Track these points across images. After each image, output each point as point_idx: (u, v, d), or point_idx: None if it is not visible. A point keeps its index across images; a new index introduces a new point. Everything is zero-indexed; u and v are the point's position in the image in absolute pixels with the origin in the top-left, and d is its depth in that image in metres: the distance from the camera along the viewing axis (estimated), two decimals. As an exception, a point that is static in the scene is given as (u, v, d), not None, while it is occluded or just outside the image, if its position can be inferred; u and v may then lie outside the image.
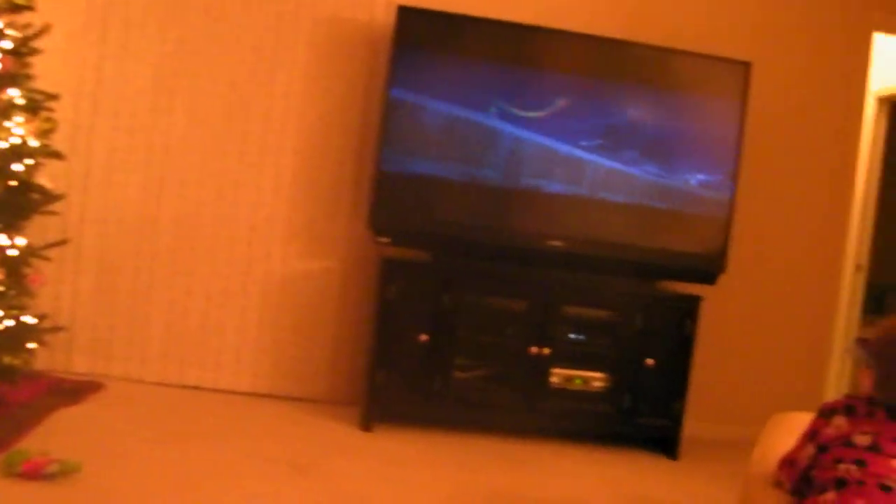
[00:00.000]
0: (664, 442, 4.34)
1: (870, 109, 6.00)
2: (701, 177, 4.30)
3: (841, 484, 1.68)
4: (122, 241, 4.42)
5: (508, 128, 4.18)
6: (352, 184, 4.50)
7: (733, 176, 4.33)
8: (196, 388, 4.44)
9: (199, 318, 4.47)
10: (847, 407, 1.79)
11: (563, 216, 4.25)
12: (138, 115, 4.39)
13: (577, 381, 4.25)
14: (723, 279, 4.39)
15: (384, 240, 4.17)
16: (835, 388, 5.47)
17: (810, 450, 1.81)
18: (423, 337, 4.11)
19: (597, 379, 4.26)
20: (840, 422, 1.78)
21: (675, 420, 4.29)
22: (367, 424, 4.13)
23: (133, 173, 4.41)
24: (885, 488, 1.64)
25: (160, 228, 4.43)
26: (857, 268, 6.36)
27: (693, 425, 4.41)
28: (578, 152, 4.22)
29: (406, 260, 4.25)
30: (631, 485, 3.82)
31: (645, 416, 4.28)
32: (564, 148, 4.21)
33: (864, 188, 6.21)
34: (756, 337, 4.87)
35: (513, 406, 4.23)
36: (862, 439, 1.73)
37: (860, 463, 1.69)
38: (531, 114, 4.19)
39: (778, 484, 1.89)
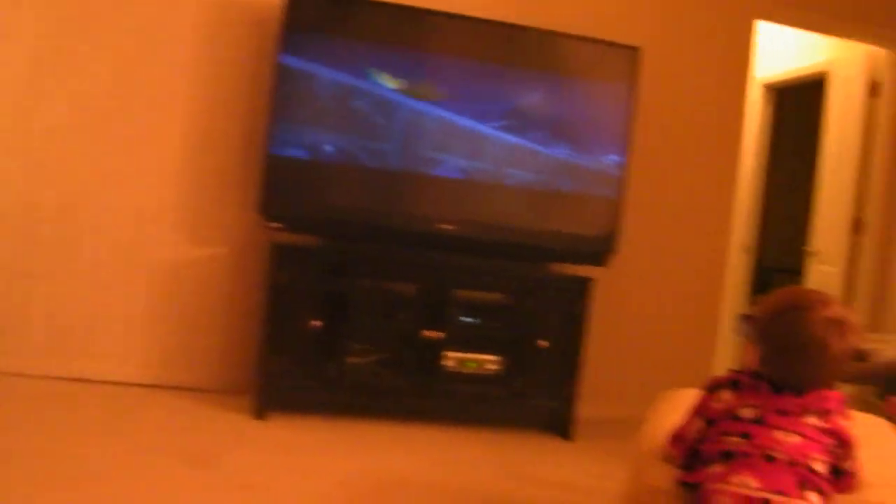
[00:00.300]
0: (558, 423, 4.39)
1: (755, 95, 6.19)
2: (591, 160, 4.35)
3: (728, 456, 1.71)
4: (1, 228, 4.25)
5: (401, 105, 4.15)
6: (241, 168, 4.41)
7: (623, 159, 4.39)
8: (82, 380, 4.30)
9: (83, 308, 4.34)
10: (732, 381, 1.83)
11: (454, 200, 4.25)
12: (17, 99, 4.22)
13: (471, 365, 4.25)
14: (613, 261, 4.46)
15: (275, 225, 4.11)
16: (722, 366, 5.61)
17: (698, 424, 1.84)
18: (316, 323, 4.07)
19: (490, 362, 4.28)
20: (726, 396, 1.81)
21: (568, 401, 4.34)
22: (260, 413, 4.06)
23: (12, 158, 4.24)
24: (770, 459, 1.68)
25: (42, 216, 4.27)
26: (745, 249, 6.56)
27: (586, 406, 4.47)
28: (470, 132, 4.22)
29: (297, 245, 4.19)
30: (525, 466, 3.84)
31: (538, 398, 4.31)
32: (457, 128, 4.20)
33: (750, 172, 6.40)
34: (646, 317, 4.97)
35: (407, 390, 4.21)
36: (747, 412, 1.77)
37: (746, 435, 1.73)
38: (423, 95, 4.17)
39: (668, 458, 1.91)
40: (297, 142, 4.07)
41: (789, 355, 1.76)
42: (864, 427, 1.85)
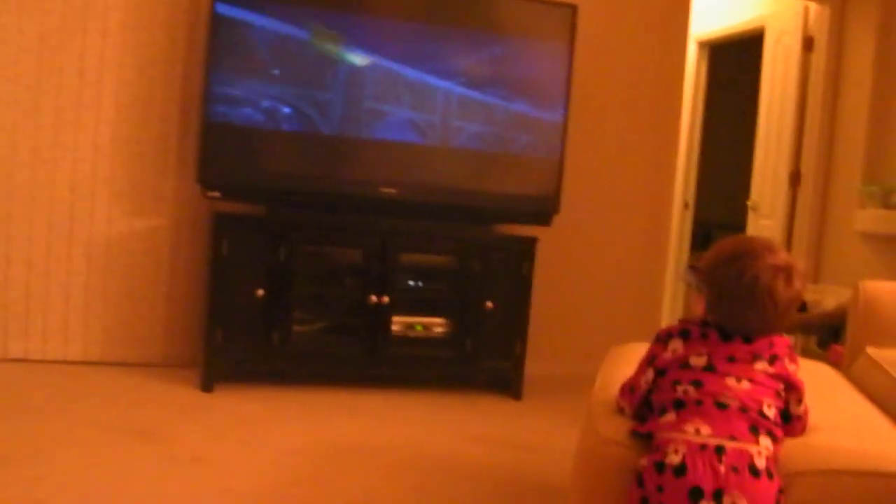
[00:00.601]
0: (507, 383, 4.41)
1: (692, 53, 6.22)
2: (531, 119, 4.34)
3: (679, 405, 1.72)
4: (-71, 208, 4.13)
5: (341, 61, 4.09)
6: (178, 137, 4.32)
7: (563, 118, 4.38)
8: (22, 360, 4.21)
9: (20, 288, 4.22)
10: (682, 331, 1.84)
11: (396, 164, 4.21)
12: (-62, 72, 4.09)
13: (418, 328, 4.25)
14: (557, 220, 4.46)
15: (214, 194, 4.03)
16: (668, 321, 5.68)
17: (649, 374, 1.85)
18: (260, 292, 4.02)
19: (437, 325, 4.28)
20: (676, 345, 1.82)
21: (517, 361, 4.35)
22: (207, 385, 4.01)
23: (-64, 135, 4.11)
24: (721, 405, 1.69)
25: (-30, 193, 4.16)
26: (685, 206, 6.63)
27: (534, 365, 4.49)
28: (411, 88, 4.18)
29: (238, 214, 4.13)
30: (476, 426, 3.86)
31: (487, 359, 4.33)
32: (398, 84, 4.16)
33: (688, 129, 6.46)
34: (591, 275, 4.99)
35: (355, 357, 4.19)
36: (697, 360, 1.78)
37: (697, 383, 1.74)
38: (360, 54, 4.11)
39: (620, 410, 1.92)
40: (234, 104, 3.98)
41: (737, 302, 1.77)
42: (810, 374, 1.88)
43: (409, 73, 4.17)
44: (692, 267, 1.99)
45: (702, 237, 6.94)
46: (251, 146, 4.05)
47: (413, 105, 4.18)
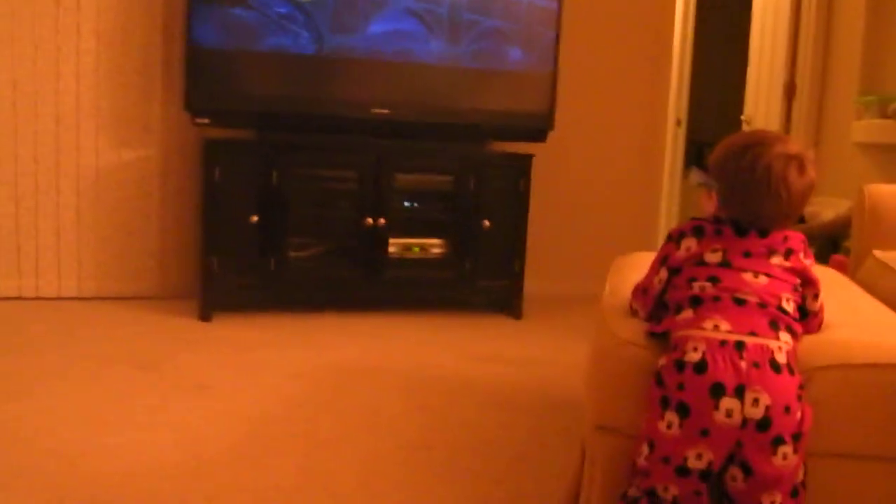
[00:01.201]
0: (506, 302, 4.39)
1: (682, -35, 6.09)
2: (525, 35, 4.24)
3: (696, 301, 1.68)
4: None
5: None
6: (162, 64, 4.21)
7: (556, 33, 4.29)
8: (16, 298, 4.16)
9: (9, 225, 4.15)
10: (695, 228, 1.79)
11: (386, 82, 4.13)
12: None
13: (416, 250, 4.21)
14: (552, 137, 4.40)
15: (203, 121, 3.95)
16: (664, 237, 5.65)
17: (662, 274, 1.80)
18: (254, 218, 3.96)
19: (435, 245, 4.24)
20: (690, 243, 1.78)
21: (516, 279, 4.33)
22: (206, 315, 3.98)
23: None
24: (740, 301, 1.65)
25: (-48, 130, 4.06)
26: (677, 122, 6.56)
27: (533, 284, 4.46)
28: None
29: (229, 139, 4.06)
30: (478, 345, 3.84)
31: (486, 279, 4.29)
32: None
33: (679, 43, 6.35)
34: (588, 193, 4.95)
35: (352, 280, 4.15)
36: (712, 257, 1.73)
37: (713, 279, 1.70)
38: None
39: (633, 313, 1.88)
40: (219, 26, 3.87)
41: (751, 193, 1.72)
42: (821, 274, 1.84)
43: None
44: (698, 166, 1.94)
45: (694, 154, 6.90)
46: (238, 69, 3.96)
47: (400, 30, 4.09)
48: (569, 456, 2.06)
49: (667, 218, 6.28)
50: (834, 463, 1.72)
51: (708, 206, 1.83)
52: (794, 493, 1.63)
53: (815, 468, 1.67)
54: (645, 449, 1.63)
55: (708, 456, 1.57)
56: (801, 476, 1.64)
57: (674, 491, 1.61)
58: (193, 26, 3.86)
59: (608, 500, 1.75)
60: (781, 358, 1.60)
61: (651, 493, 1.63)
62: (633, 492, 1.66)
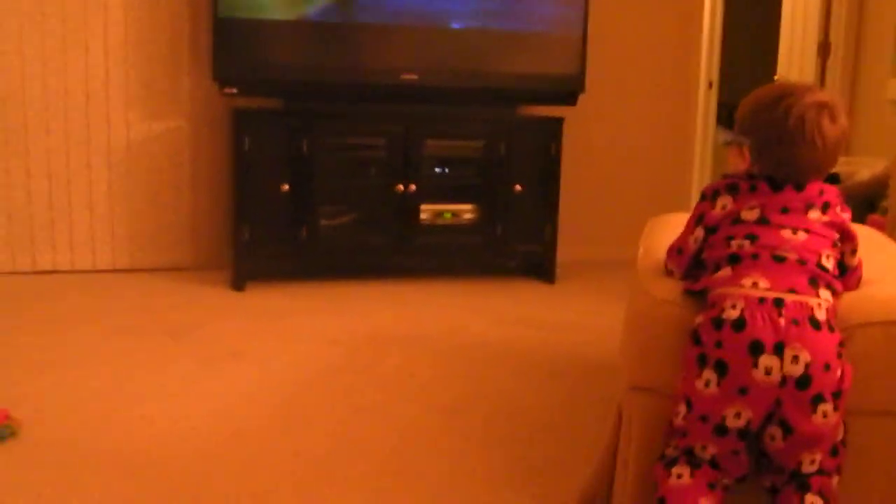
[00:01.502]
0: (539, 267, 4.37)
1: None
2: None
3: (735, 259, 1.66)
4: (-57, 123, 4.06)
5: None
6: (190, 35, 4.20)
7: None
8: (52, 272, 4.19)
9: (43, 200, 4.17)
10: (729, 186, 1.76)
11: (414, 48, 4.09)
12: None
13: (447, 216, 4.19)
14: (583, 100, 4.35)
15: (231, 90, 3.94)
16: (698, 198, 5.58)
17: (698, 233, 1.77)
18: (285, 187, 3.95)
19: (466, 211, 4.21)
20: (725, 201, 1.75)
21: (549, 244, 4.30)
22: (239, 284, 3.99)
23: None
24: (779, 259, 1.62)
25: (-17, 108, 4.08)
26: (709, 85, 6.47)
27: (565, 249, 4.43)
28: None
29: (258, 109, 4.05)
30: (513, 310, 3.83)
31: (518, 243, 4.27)
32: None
33: (710, 5, 6.25)
34: (619, 155, 4.90)
35: (384, 247, 4.15)
36: (749, 214, 1.70)
37: (752, 237, 1.67)
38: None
39: (668, 273, 1.86)
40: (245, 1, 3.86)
41: (786, 144, 1.69)
42: (858, 232, 1.81)
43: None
44: (729, 122, 1.90)
45: (726, 117, 6.81)
46: (266, 38, 3.94)
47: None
48: (604, 420, 2.04)
49: (699, 181, 6.20)
50: (875, 421, 1.69)
51: (739, 163, 1.80)
52: (834, 451, 1.61)
53: (855, 426, 1.65)
54: (682, 408, 1.62)
55: (747, 414, 1.55)
56: (840, 434, 1.61)
57: (712, 450, 1.60)
58: (220, -5, 3.84)
59: (645, 461, 1.74)
60: (821, 315, 1.57)
61: (689, 453, 1.62)
62: (670, 452, 1.65)
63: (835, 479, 1.62)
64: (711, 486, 1.60)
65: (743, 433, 1.57)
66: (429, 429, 2.50)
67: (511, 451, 2.36)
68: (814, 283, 1.61)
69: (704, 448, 1.60)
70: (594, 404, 2.69)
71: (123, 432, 2.40)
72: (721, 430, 1.57)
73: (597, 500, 1.95)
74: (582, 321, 3.66)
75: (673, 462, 1.63)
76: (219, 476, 2.15)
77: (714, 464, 1.61)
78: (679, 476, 1.61)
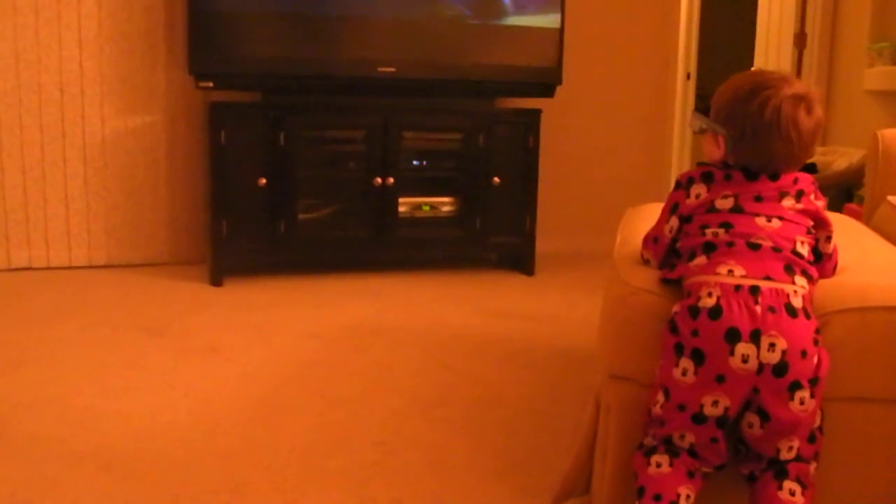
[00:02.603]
0: (518, 260, 4.37)
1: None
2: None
3: (709, 247, 1.66)
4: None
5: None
6: (165, 28, 4.17)
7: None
8: (27, 269, 4.16)
9: (17, 196, 4.13)
10: (703, 174, 1.75)
11: (391, 40, 4.08)
12: None
13: (426, 208, 4.18)
14: (560, 92, 4.35)
15: (207, 84, 3.92)
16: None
17: (673, 222, 1.77)
18: (262, 181, 3.94)
19: (445, 203, 4.21)
20: (699, 189, 1.74)
21: (528, 236, 4.30)
22: (217, 280, 3.97)
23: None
24: (754, 246, 1.62)
25: (-45, 103, 4.03)
26: (687, 76, 6.50)
27: (544, 241, 4.44)
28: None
29: (234, 102, 4.03)
30: (492, 302, 3.83)
31: (497, 236, 4.27)
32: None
33: (688, -2, 6.28)
34: (598, 147, 4.91)
35: (363, 241, 4.13)
36: (724, 203, 1.70)
37: (726, 225, 1.67)
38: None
39: (645, 262, 1.86)
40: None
41: (761, 137, 1.69)
42: (834, 220, 1.81)
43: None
44: (699, 110, 1.90)
45: (703, 109, 6.83)
46: (242, 31, 3.92)
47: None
48: (584, 409, 2.04)
49: (677, 171, 6.23)
50: (852, 407, 1.70)
51: (714, 151, 1.79)
52: (812, 438, 1.62)
53: (832, 413, 1.66)
54: (660, 397, 1.62)
55: (724, 402, 1.56)
56: (818, 421, 1.62)
57: (690, 438, 1.60)
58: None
59: (624, 450, 1.74)
60: (797, 302, 1.57)
61: (667, 442, 1.62)
62: (649, 441, 1.65)
63: (812, 466, 1.62)
64: (690, 475, 1.61)
65: (721, 421, 1.58)
66: (409, 421, 2.49)
67: (492, 442, 2.36)
68: (789, 269, 1.61)
69: (683, 437, 1.60)
70: (575, 394, 2.69)
71: (101, 428, 2.38)
72: (699, 418, 1.58)
73: (576, 488, 1.96)
74: (562, 312, 3.66)
75: (652, 451, 1.63)
76: (197, 470, 2.14)
77: (693, 452, 1.61)
78: (658, 465, 1.61)
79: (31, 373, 2.80)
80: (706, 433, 1.59)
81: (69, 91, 4.12)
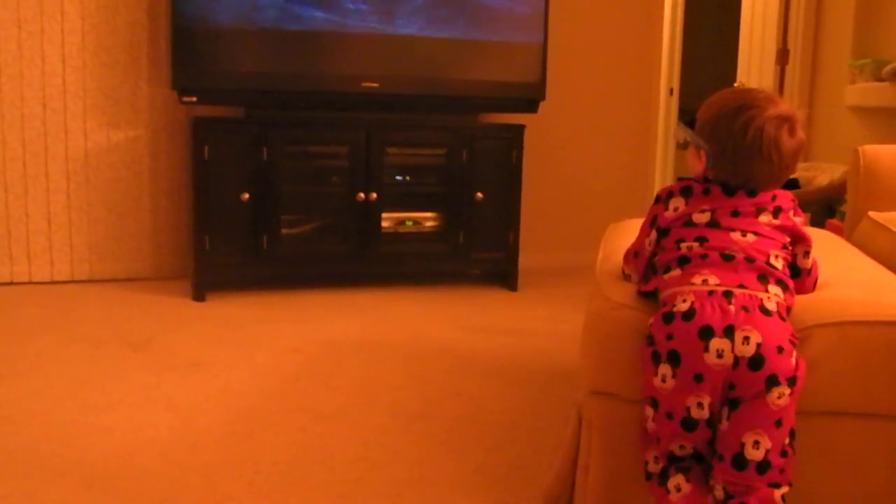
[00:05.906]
0: (501, 275, 4.37)
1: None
2: (513, 5, 4.20)
3: (684, 261, 1.67)
4: None
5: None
6: (148, 43, 4.17)
7: (545, 2, 4.24)
8: (9, 284, 4.13)
9: (-1, 210, 4.13)
10: (683, 188, 1.76)
11: (375, 56, 4.08)
12: None
13: (409, 224, 4.19)
14: (544, 107, 4.36)
15: (190, 99, 3.91)
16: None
17: (652, 236, 1.78)
18: (245, 196, 3.93)
19: (428, 219, 4.22)
20: (678, 203, 1.76)
21: (511, 252, 4.31)
22: (199, 295, 3.96)
23: None
24: (727, 257, 1.63)
25: (-63, 117, 4.02)
26: (670, 92, 6.52)
27: (527, 256, 4.45)
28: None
29: (217, 118, 4.02)
30: (475, 317, 3.82)
31: (480, 251, 4.27)
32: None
33: (670, 13, 6.31)
34: (581, 163, 4.92)
35: (346, 256, 4.13)
36: (701, 217, 1.71)
37: (701, 239, 1.68)
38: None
39: (626, 278, 1.87)
40: (203, 3, 3.82)
41: (742, 156, 1.70)
42: (816, 236, 1.83)
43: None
44: (685, 122, 1.91)
45: (687, 124, 6.86)
46: (225, 47, 3.92)
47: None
48: (566, 424, 2.04)
49: (660, 187, 6.25)
50: (832, 421, 1.71)
51: (696, 165, 1.81)
52: (783, 453, 1.58)
53: (813, 426, 1.66)
54: (650, 411, 1.62)
55: (707, 402, 1.56)
56: (787, 439, 1.58)
57: (689, 449, 1.61)
58: (178, 3, 3.81)
59: (606, 465, 1.74)
60: (771, 306, 1.58)
61: (672, 458, 1.62)
62: (653, 467, 1.64)
63: (779, 494, 1.57)
64: (706, 482, 1.61)
65: (710, 422, 1.58)
66: (392, 436, 2.49)
67: (475, 457, 2.35)
68: (763, 279, 1.62)
69: (682, 447, 1.61)
70: (558, 409, 2.69)
71: (82, 443, 2.36)
72: (688, 424, 1.58)
73: (558, 503, 1.95)
74: (545, 328, 3.66)
75: (664, 476, 1.62)
76: (179, 486, 2.13)
77: (698, 456, 1.62)
78: (678, 488, 1.60)
79: (11, 388, 2.78)
80: (701, 437, 1.59)
81: (52, 105, 4.11)
